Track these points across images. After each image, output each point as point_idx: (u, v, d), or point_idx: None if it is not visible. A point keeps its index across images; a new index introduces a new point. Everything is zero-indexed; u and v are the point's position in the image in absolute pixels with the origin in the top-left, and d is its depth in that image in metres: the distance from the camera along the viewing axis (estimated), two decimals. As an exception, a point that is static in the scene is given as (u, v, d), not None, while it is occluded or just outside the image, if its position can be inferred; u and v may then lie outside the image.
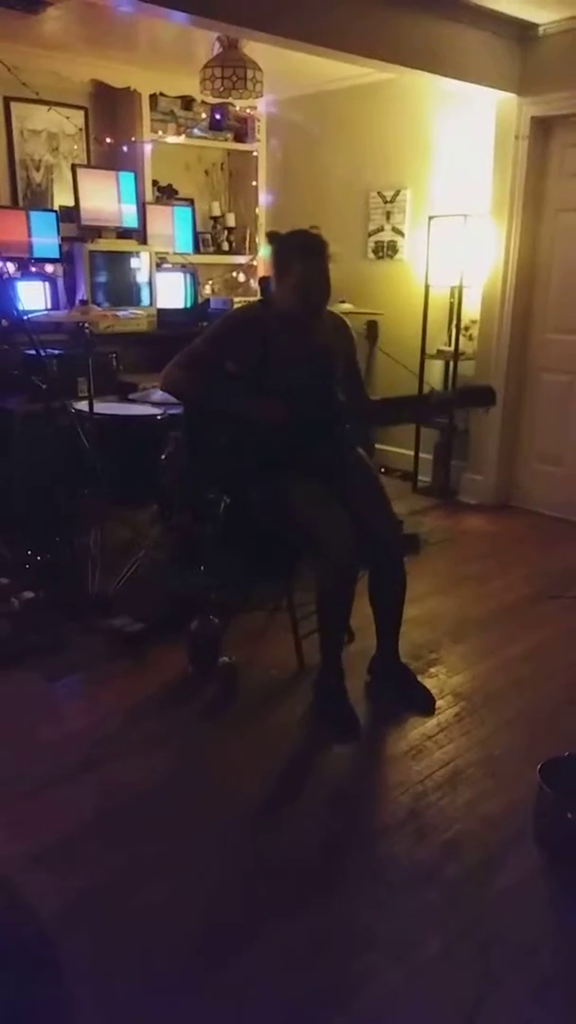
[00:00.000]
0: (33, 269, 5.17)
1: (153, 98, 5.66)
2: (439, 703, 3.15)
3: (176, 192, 6.08)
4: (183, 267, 5.96)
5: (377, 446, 5.68)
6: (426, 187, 5.64)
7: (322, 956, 2.04)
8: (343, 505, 2.95)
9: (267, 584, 3.54)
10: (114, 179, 5.40)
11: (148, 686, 3.23)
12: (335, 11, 3.91)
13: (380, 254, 5.99)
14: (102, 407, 4.06)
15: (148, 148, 5.67)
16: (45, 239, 5.11)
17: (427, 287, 5.50)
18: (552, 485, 5.37)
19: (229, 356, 3.02)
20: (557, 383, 5.26)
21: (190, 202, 6.14)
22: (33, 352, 3.96)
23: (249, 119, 6.25)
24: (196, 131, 5.97)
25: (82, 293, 5.19)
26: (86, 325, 3.96)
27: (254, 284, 6.38)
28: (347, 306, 5.44)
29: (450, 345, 5.50)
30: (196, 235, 6.11)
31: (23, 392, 4.31)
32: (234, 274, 6.61)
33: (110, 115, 5.72)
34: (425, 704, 3.13)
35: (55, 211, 5.28)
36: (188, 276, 5.99)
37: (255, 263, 6.45)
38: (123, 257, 5.49)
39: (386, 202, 5.88)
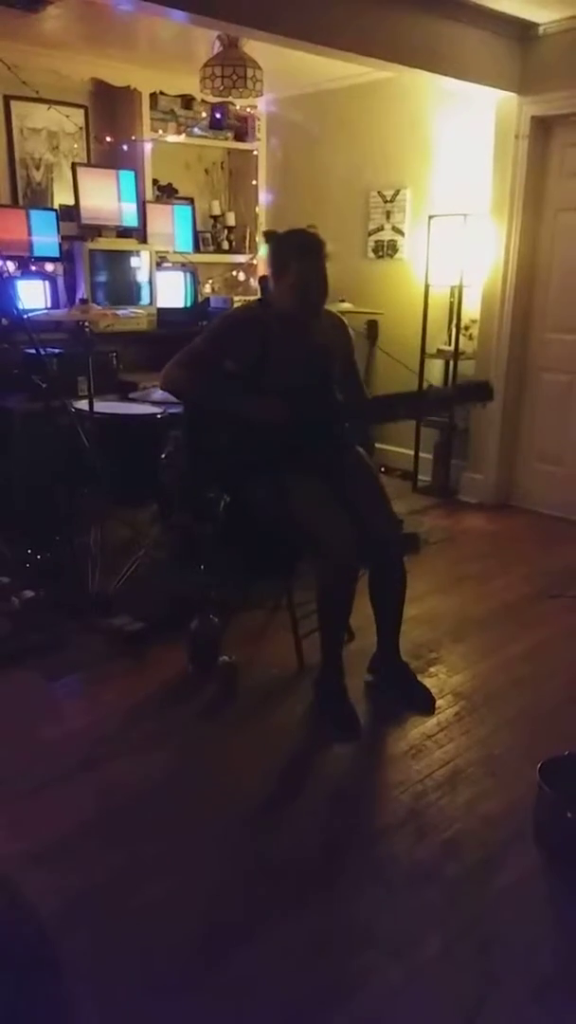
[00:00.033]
0: (33, 268, 5.17)
1: (153, 97, 5.66)
2: (439, 702, 3.15)
3: (176, 191, 6.08)
4: (183, 266, 5.96)
5: (377, 445, 5.66)
6: (426, 186, 5.64)
7: (322, 955, 2.04)
8: (343, 504, 2.95)
9: (267, 583, 3.54)
10: (114, 178, 5.40)
11: (148, 685, 3.23)
12: (335, 10, 3.91)
13: (380, 253, 5.99)
14: (102, 406, 4.05)
15: (148, 147, 5.67)
16: (45, 238, 5.10)
17: (427, 286, 5.50)
18: (552, 484, 5.37)
19: (228, 355, 3.02)
20: (557, 383, 5.26)
21: (190, 201, 6.14)
22: (33, 351, 3.96)
23: (249, 118, 6.25)
24: (196, 130, 5.97)
25: (82, 292, 5.19)
26: (86, 324, 3.96)
27: (254, 283, 6.38)
28: (347, 305, 5.45)
29: (450, 344, 5.50)
30: (196, 234, 6.11)
31: (23, 391, 4.31)
32: (234, 273, 6.61)
33: (110, 114, 5.71)
34: (425, 703, 3.13)
35: (55, 210, 5.27)
36: (188, 275, 5.99)
37: (255, 262, 6.45)
38: (123, 256, 5.49)
39: (386, 201, 5.87)
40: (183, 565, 3.92)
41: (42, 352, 3.89)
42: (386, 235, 5.93)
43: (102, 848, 2.37)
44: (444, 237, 5.34)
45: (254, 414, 2.97)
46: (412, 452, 5.80)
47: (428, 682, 3.25)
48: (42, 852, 2.31)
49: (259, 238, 6.34)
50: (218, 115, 6.07)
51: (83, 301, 4.55)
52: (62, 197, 5.46)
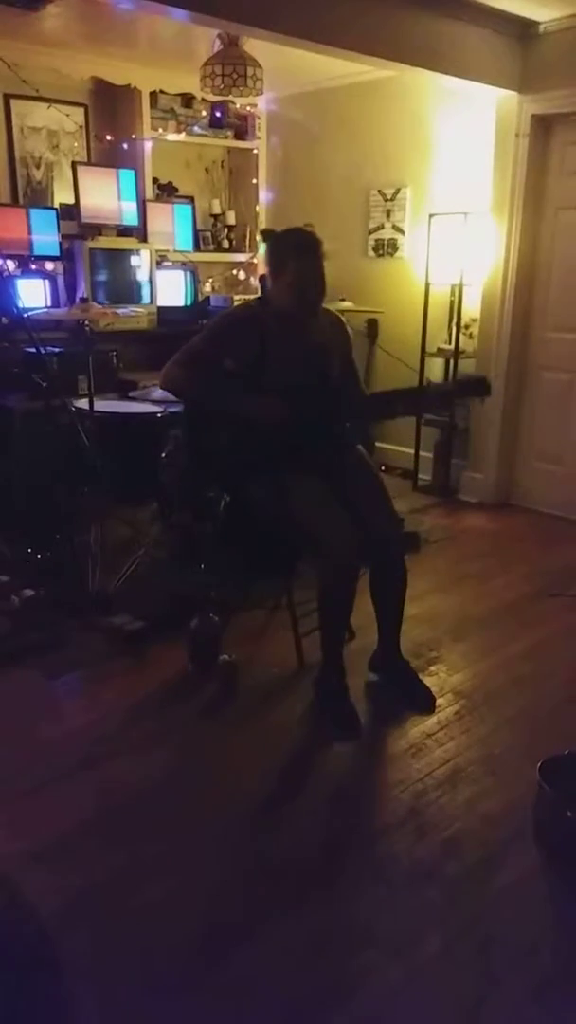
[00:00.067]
0: (33, 267, 5.16)
1: (153, 95, 5.65)
2: (439, 701, 3.15)
3: (176, 190, 6.07)
4: (183, 265, 5.96)
5: (377, 444, 5.67)
6: (426, 185, 5.64)
7: (322, 954, 2.04)
8: (343, 503, 2.95)
9: (267, 582, 3.53)
10: (114, 177, 5.39)
11: (148, 684, 3.23)
12: (336, 8, 3.90)
13: (380, 252, 5.98)
14: (102, 405, 4.06)
15: (148, 145, 5.66)
16: (45, 237, 5.10)
17: (427, 285, 5.50)
18: (552, 483, 5.36)
19: (227, 354, 3.02)
20: (557, 381, 5.26)
21: (190, 200, 6.13)
22: (33, 350, 3.95)
23: (249, 117, 6.24)
24: (196, 128, 5.96)
25: (82, 291, 5.19)
26: (86, 323, 3.95)
27: (254, 282, 6.38)
28: (347, 304, 5.45)
29: (450, 343, 5.50)
30: (196, 233, 6.11)
31: (23, 390, 4.31)
32: (234, 272, 6.61)
33: (110, 112, 5.71)
34: (426, 702, 3.13)
35: (55, 209, 5.27)
36: (188, 274, 5.98)
37: (255, 261, 6.45)
38: (123, 255, 5.49)
39: (386, 200, 5.87)
40: (183, 564, 3.93)
41: (42, 351, 3.89)
42: (386, 234, 5.93)
43: (102, 847, 2.37)
44: (444, 236, 5.33)
45: (254, 413, 2.97)
46: (412, 451, 5.80)
47: (428, 681, 3.25)
48: (42, 851, 2.31)
49: (259, 237, 6.34)
50: (218, 114, 6.06)
51: (83, 300, 4.56)
52: (62, 196, 5.46)
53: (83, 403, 4.01)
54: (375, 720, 3.07)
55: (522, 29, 4.73)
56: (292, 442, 2.96)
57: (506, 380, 5.32)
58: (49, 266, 5.24)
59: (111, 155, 5.68)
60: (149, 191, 5.74)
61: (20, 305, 4.03)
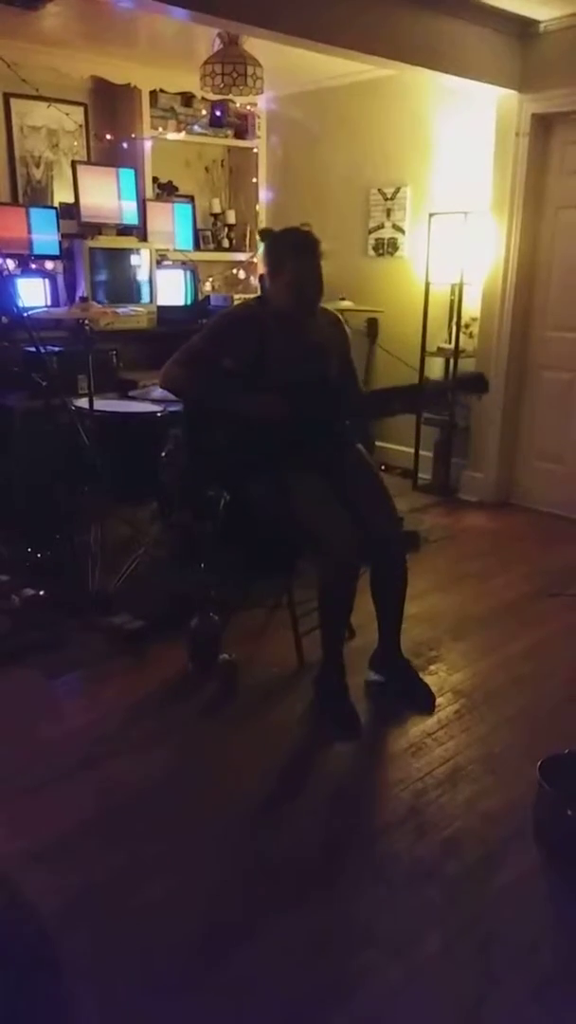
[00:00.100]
0: (33, 266, 5.16)
1: (153, 94, 5.65)
2: (439, 700, 3.15)
3: (176, 189, 6.07)
4: (183, 264, 5.96)
5: (377, 443, 5.68)
6: (426, 184, 5.63)
7: (322, 954, 2.04)
8: (343, 502, 2.95)
9: (267, 581, 3.53)
10: (114, 176, 5.39)
11: (148, 684, 3.23)
12: (336, 7, 3.90)
13: (380, 251, 5.98)
14: (102, 404, 4.05)
15: (148, 145, 5.66)
16: (45, 236, 5.10)
17: (427, 284, 5.50)
18: (552, 483, 5.36)
19: (226, 353, 3.02)
20: (557, 381, 5.26)
21: (190, 199, 6.13)
22: (33, 349, 3.95)
23: (249, 116, 6.24)
24: (196, 128, 5.96)
25: (82, 290, 5.19)
26: (86, 322, 3.95)
27: (254, 281, 6.37)
28: (347, 303, 5.45)
29: (450, 342, 5.49)
30: (196, 232, 6.11)
31: (23, 389, 4.31)
32: (234, 271, 6.61)
33: (110, 111, 5.71)
34: (426, 701, 3.13)
35: (55, 208, 5.27)
36: (188, 273, 5.98)
37: (255, 260, 6.44)
38: (123, 254, 5.49)
39: (386, 199, 5.87)
40: (183, 563, 3.93)
41: (42, 350, 3.89)
42: (386, 233, 5.92)
43: (102, 847, 2.37)
44: (444, 235, 5.33)
45: (253, 411, 2.97)
46: (412, 450, 5.79)
47: (428, 680, 3.24)
48: (42, 851, 2.31)
49: (257, 236, 6.34)
50: (218, 113, 6.06)
51: (83, 299, 4.55)
52: (62, 195, 5.45)
53: (83, 402, 4.01)
54: (375, 719, 3.07)
55: (522, 28, 4.72)
56: (292, 440, 2.96)
57: (506, 379, 5.32)
58: (49, 265, 5.23)
59: (111, 154, 5.68)
60: (149, 190, 5.73)
61: (20, 304, 4.03)
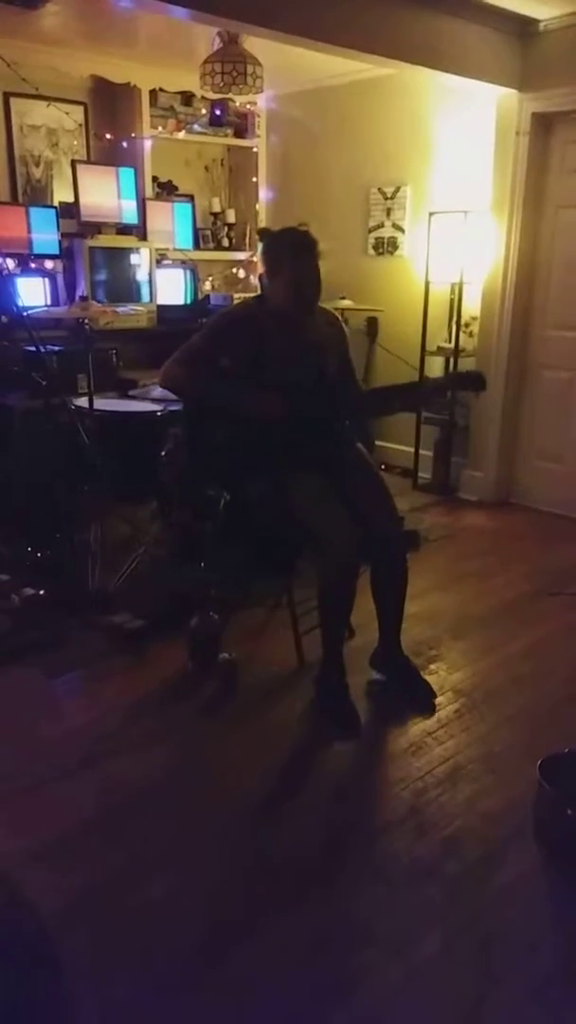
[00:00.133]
0: (33, 265, 5.16)
1: (153, 94, 5.64)
2: (439, 699, 3.15)
3: (176, 188, 6.06)
4: (183, 263, 5.96)
5: (377, 443, 5.68)
6: (426, 183, 5.63)
7: (322, 953, 2.04)
8: (343, 501, 2.95)
9: (267, 580, 3.53)
10: (114, 175, 5.39)
11: (148, 682, 3.23)
12: (336, 6, 3.90)
13: (380, 250, 5.98)
14: (102, 403, 4.06)
15: (148, 144, 5.66)
16: (45, 235, 5.10)
17: (427, 283, 5.50)
18: (552, 482, 5.36)
19: (225, 352, 3.02)
20: (557, 380, 5.26)
21: (190, 198, 6.13)
22: (33, 348, 3.95)
23: (249, 115, 6.24)
24: (196, 127, 5.95)
25: (82, 289, 5.19)
26: (86, 321, 3.95)
27: (254, 280, 6.37)
28: (347, 302, 5.45)
29: (450, 342, 5.49)
30: (196, 231, 6.11)
31: (23, 388, 4.31)
32: (234, 270, 6.60)
33: (110, 111, 5.70)
34: (427, 698, 3.14)
35: (55, 207, 5.26)
36: (188, 272, 5.98)
37: (255, 259, 6.44)
38: (123, 253, 5.49)
39: (386, 198, 5.87)
40: (183, 562, 3.93)
41: (42, 349, 3.89)
42: (386, 232, 5.92)
43: (102, 846, 2.37)
44: (444, 234, 5.33)
45: (253, 410, 2.97)
46: (412, 449, 5.80)
47: (428, 679, 3.23)
48: (42, 850, 2.31)
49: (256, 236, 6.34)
50: (218, 112, 6.05)
51: (83, 298, 4.55)
52: (62, 194, 5.45)
53: (83, 402, 4.01)
54: (375, 718, 3.07)
55: (522, 27, 4.72)
56: (291, 440, 2.97)
57: (506, 378, 5.32)
58: (49, 264, 5.23)
59: (111, 153, 5.67)
60: (149, 189, 5.73)
61: (20, 304, 4.03)
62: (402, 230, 5.83)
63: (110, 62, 5.38)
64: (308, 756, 2.87)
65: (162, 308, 5.58)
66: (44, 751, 2.78)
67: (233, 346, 3.01)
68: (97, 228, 5.37)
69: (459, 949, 2.05)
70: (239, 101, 6.04)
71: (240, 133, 6.26)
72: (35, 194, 5.47)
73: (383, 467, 5.56)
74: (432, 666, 3.41)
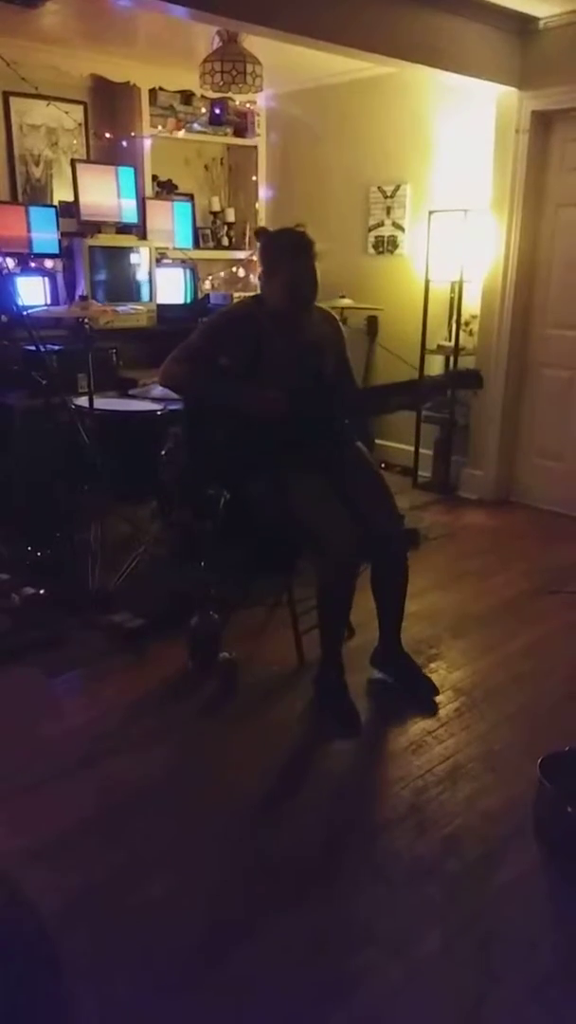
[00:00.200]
0: (32, 264, 5.16)
1: (152, 93, 5.64)
2: (439, 698, 3.15)
3: (176, 187, 6.06)
4: (183, 262, 5.96)
5: (377, 441, 5.68)
6: (426, 182, 5.63)
7: (322, 952, 2.04)
8: (343, 500, 2.95)
9: (267, 580, 3.53)
10: (113, 174, 5.39)
11: (148, 682, 3.23)
12: (336, 5, 3.89)
13: (380, 249, 5.98)
14: (102, 403, 4.05)
15: (148, 143, 5.65)
16: (44, 234, 5.10)
17: (427, 282, 5.49)
18: (552, 480, 5.36)
19: (223, 351, 3.03)
20: (557, 379, 5.26)
21: (190, 197, 6.12)
22: (33, 348, 3.96)
23: (249, 114, 6.23)
24: (196, 126, 5.94)
25: (82, 288, 5.19)
26: (86, 321, 3.95)
27: (254, 279, 6.36)
28: (347, 301, 5.45)
29: (450, 340, 5.49)
30: (196, 230, 6.11)
31: (23, 388, 4.31)
32: (234, 269, 6.60)
33: (109, 110, 5.70)
34: (428, 693, 3.14)
35: (54, 206, 5.26)
36: (188, 271, 5.98)
37: (255, 258, 6.43)
38: (123, 252, 5.48)
39: (386, 197, 5.86)
40: (183, 562, 3.93)
41: (42, 349, 3.89)
42: (386, 231, 5.92)
43: (102, 845, 2.37)
44: (444, 233, 5.33)
45: (253, 407, 2.97)
46: (412, 448, 5.79)
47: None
48: (42, 849, 2.31)
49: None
50: (218, 111, 6.05)
51: (83, 298, 4.55)
52: (61, 193, 5.45)
53: (83, 401, 4.01)
54: (375, 717, 3.07)
55: (522, 25, 4.72)
56: (291, 439, 2.97)
57: (506, 377, 5.32)
58: (48, 264, 5.23)
59: (110, 152, 5.67)
60: (148, 188, 5.73)
61: (20, 303, 4.03)
62: (402, 229, 5.82)
63: (110, 61, 5.38)
64: (308, 755, 2.87)
65: (162, 307, 5.58)
66: (44, 750, 2.78)
67: (231, 345, 3.02)
68: (97, 227, 5.37)
69: (459, 948, 2.05)
70: (239, 100, 6.03)
71: (240, 132, 6.25)
72: (35, 193, 5.46)
73: (383, 466, 5.56)
74: (432, 665, 3.41)
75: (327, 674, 3.08)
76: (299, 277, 2.92)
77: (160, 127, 5.72)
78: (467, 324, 5.50)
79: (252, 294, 3.25)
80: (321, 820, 2.51)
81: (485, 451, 5.53)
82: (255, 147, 6.32)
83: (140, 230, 5.60)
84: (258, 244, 3.08)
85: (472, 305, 5.44)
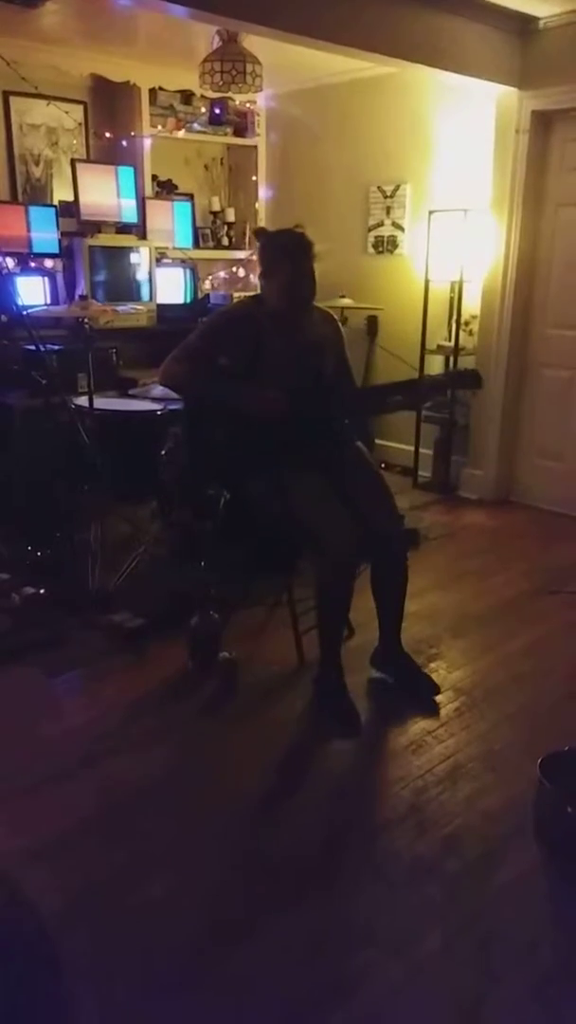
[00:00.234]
0: (32, 264, 5.16)
1: (152, 92, 5.64)
2: (439, 697, 3.15)
3: (176, 187, 6.06)
4: (183, 262, 5.95)
5: (377, 441, 5.67)
6: (426, 182, 5.63)
7: (322, 952, 2.04)
8: (343, 500, 2.95)
9: (267, 579, 3.53)
10: (113, 174, 5.39)
11: (148, 682, 3.23)
12: (336, 5, 3.89)
13: (380, 249, 5.98)
14: (102, 403, 4.05)
15: (147, 143, 5.65)
16: (44, 234, 5.10)
17: (427, 282, 5.49)
18: (552, 480, 5.36)
19: (222, 351, 3.03)
20: (557, 378, 5.25)
21: (190, 197, 6.12)
22: (33, 348, 3.96)
23: (249, 113, 6.23)
24: (196, 125, 5.94)
25: (82, 288, 5.19)
26: (86, 320, 3.95)
27: (254, 279, 6.36)
28: (347, 301, 5.45)
29: (450, 340, 5.49)
30: (196, 230, 6.10)
31: (23, 388, 4.31)
32: (234, 269, 6.60)
33: (109, 109, 5.70)
34: (429, 691, 3.15)
35: (54, 206, 5.26)
36: (188, 271, 5.98)
37: (255, 258, 6.42)
38: (123, 252, 5.48)
39: (386, 197, 5.86)
40: (183, 562, 3.93)
41: (42, 348, 3.89)
42: (386, 231, 5.92)
43: (102, 845, 2.37)
44: (444, 232, 5.33)
45: (253, 407, 2.97)
46: (412, 448, 5.79)
47: (428, 677, 3.25)
48: (42, 849, 2.31)
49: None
50: (217, 110, 6.05)
51: (83, 297, 4.55)
52: (61, 193, 5.45)
53: (83, 401, 4.00)
54: (375, 717, 3.07)
55: (522, 25, 4.72)
56: (290, 439, 2.96)
57: (506, 377, 5.32)
58: (48, 264, 5.23)
59: (110, 152, 5.67)
60: (148, 188, 5.73)
61: (19, 303, 4.03)
62: (402, 228, 5.82)
63: (110, 61, 5.38)
64: (308, 755, 2.87)
65: (162, 307, 5.58)
66: (44, 750, 2.78)
67: (231, 345, 3.02)
68: (97, 227, 5.37)
69: (459, 947, 2.05)
70: (239, 100, 6.03)
71: (240, 132, 6.25)
72: (35, 193, 5.46)
73: (383, 466, 5.56)
74: (432, 664, 3.41)
75: (327, 674, 3.08)
76: (297, 278, 2.93)
77: (160, 127, 5.72)
78: (467, 324, 5.50)
79: (252, 294, 3.26)
80: (321, 820, 2.51)
81: (485, 451, 5.53)
82: (255, 147, 6.32)
83: (140, 230, 5.60)
84: (257, 244, 3.08)
85: (472, 305, 5.44)
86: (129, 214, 5.49)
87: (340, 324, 3.26)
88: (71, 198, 5.26)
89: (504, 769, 2.75)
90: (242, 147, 6.35)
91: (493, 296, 5.29)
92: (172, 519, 4.14)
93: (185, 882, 2.24)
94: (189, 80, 5.43)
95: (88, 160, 5.54)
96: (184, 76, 5.53)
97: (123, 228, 5.51)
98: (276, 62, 4.80)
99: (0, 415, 4.39)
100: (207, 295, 6.06)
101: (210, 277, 6.42)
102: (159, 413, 4.12)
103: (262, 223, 6.24)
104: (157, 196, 5.81)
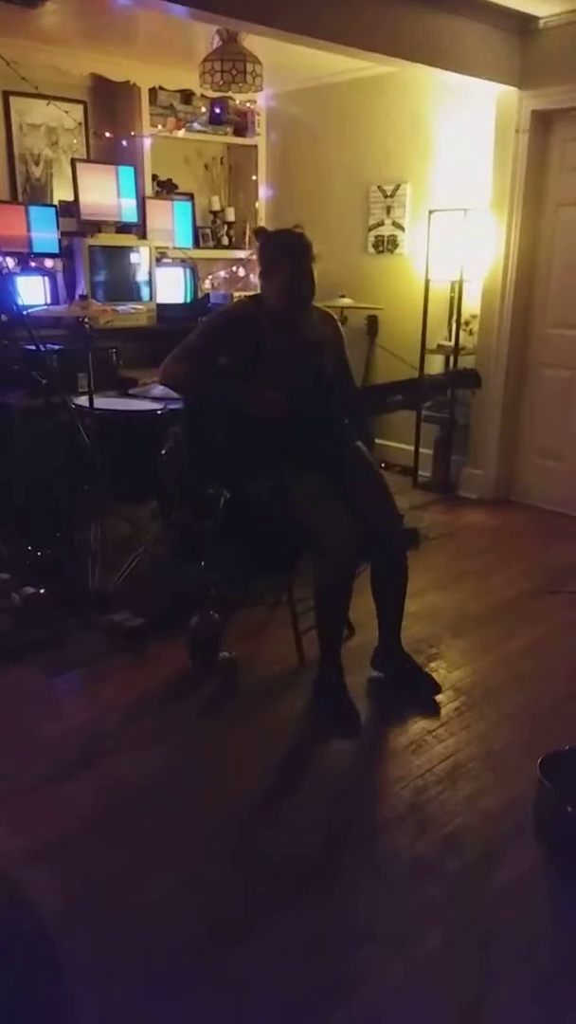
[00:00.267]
0: (32, 264, 5.16)
1: (152, 92, 5.63)
2: (439, 697, 3.15)
3: (176, 186, 6.06)
4: (183, 262, 5.95)
5: (377, 441, 5.66)
6: (426, 181, 5.62)
7: (322, 952, 2.04)
8: (343, 500, 2.95)
9: (267, 579, 3.53)
10: (113, 173, 5.39)
11: (148, 681, 3.23)
12: (336, 5, 3.89)
13: (380, 248, 5.97)
14: (102, 402, 4.05)
15: (147, 142, 5.65)
16: (44, 234, 5.10)
17: (427, 282, 5.49)
18: (552, 480, 5.36)
19: (222, 350, 3.03)
20: (557, 378, 5.25)
21: (190, 196, 6.12)
22: (33, 347, 3.96)
23: (249, 113, 6.23)
24: (196, 125, 5.94)
25: (82, 288, 5.19)
26: (86, 320, 3.95)
27: (254, 279, 6.36)
28: (347, 301, 5.45)
29: (450, 340, 5.49)
30: (196, 230, 6.10)
31: (23, 387, 4.31)
32: (234, 268, 6.60)
33: (109, 109, 5.70)
34: (430, 690, 3.15)
35: (54, 206, 5.26)
36: (188, 271, 5.98)
37: (255, 257, 6.42)
38: (123, 252, 5.48)
39: (386, 196, 5.86)
40: (183, 561, 3.92)
41: (42, 348, 3.89)
42: (386, 230, 5.92)
43: (102, 845, 2.37)
44: (444, 232, 5.33)
45: (253, 407, 2.97)
46: (412, 448, 5.79)
47: (428, 677, 3.25)
48: (42, 849, 2.31)
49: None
50: (218, 110, 6.05)
51: (83, 297, 4.55)
52: (61, 193, 5.45)
53: (83, 400, 4.01)
54: (375, 717, 3.07)
55: (522, 24, 4.72)
56: (290, 438, 2.96)
57: (506, 376, 5.31)
58: (48, 263, 5.23)
59: (110, 152, 5.67)
60: (148, 188, 5.73)
61: (20, 302, 4.03)
62: (402, 228, 5.82)
63: (110, 60, 5.37)
64: (308, 755, 2.87)
65: (162, 307, 5.58)
66: (44, 750, 2.78)
67: (231, 345, 3.02)
68: (97, 227, 5.37)
69: (459, 947, 2.05)
70: (239, 99, 6.03)
71: (240, 131, 6.25)
72: (35, 193, 5.46)
73: (383, 465, 5.55)
74: (432, 664, 3.41)
75: (326, 674, 3.08)
76: (296, 278, 2.93)
77: (160, 126, 5.72)
78: (467, 324, 5.50)
79: (252, 293, 3.26)
80: (321, 819, 2.51)
81: (485, 450, 5.53)
82: (255, 146, 6.32)
83: (140, 229, 5.60)
84: (257, 244, 3.08)
85: (472, 305, 5.44)
86: (129, 214, 5.49)
87: (340, 324, 3.26)
88: (71, 198, 5.26)
89: (504, 769, 2.75)
90: (242, 147, 6.35)
91: (493, 296, 5.29)
92: (172, 519, 4.14)
93: (185, 882, 2.24)
94: (189, 80, 5.43)
95: (88, 160, 5.54)
96: (184, 76, 5.53)
97: (123, 228, 5.51)
98: (276, 62, 4.79)
99: (0, 415, 4.39)
100: (207, 295, 6.06)
101: (210, 277, 6.42)
102: (159, 413, 4.12)
103: (262, 223, 6.24)
104: (157, 196, 5.81)
